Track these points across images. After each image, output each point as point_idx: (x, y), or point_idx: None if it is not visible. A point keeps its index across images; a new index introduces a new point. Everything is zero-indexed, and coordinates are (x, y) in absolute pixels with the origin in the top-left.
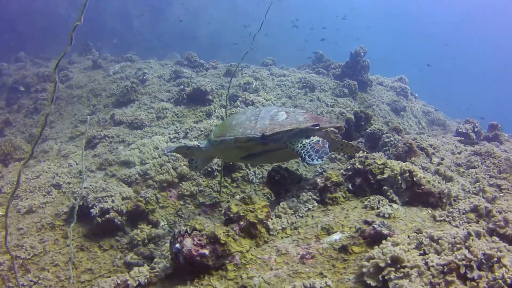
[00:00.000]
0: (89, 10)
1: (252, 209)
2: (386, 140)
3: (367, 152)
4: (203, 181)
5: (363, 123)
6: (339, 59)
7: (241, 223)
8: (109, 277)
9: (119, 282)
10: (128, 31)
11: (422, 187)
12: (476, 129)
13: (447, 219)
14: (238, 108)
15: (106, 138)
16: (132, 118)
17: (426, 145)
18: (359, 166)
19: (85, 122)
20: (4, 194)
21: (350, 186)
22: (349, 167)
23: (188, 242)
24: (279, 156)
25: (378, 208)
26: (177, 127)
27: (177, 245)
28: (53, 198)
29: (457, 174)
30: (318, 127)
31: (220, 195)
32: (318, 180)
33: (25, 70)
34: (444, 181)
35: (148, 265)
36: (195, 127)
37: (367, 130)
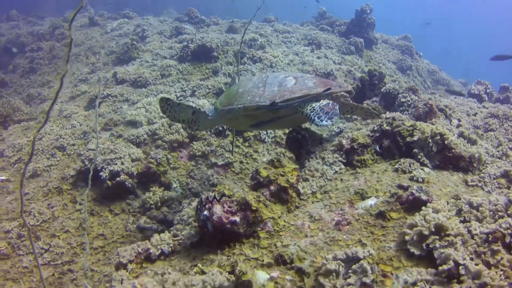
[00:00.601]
0: None
1: (282, 173)
2: (403, 100)
3: (378, 112)
4: (214, 140)
5: (376, 82)
6: (341, 16)
7: (272, 187)
8: (123, 242)
9: (140, 250)
10: None
11: (453, 150)
12: (488, 91)
13: (479, 185)
14: (246, 65)
15: (110, 97)
16: (135, 76)
17: (444, 106)
18: (387, 128)
19: (85, 81)
20: (6, 158)
21: (377, 148)
22: (375, 128)
23: (218, 209)
24: (289, 122)
25: (410, 172)
26: (183, 85)
27: (205, 212)
28: (57, 160)
29: (477, 136)
30: (329, 91)
31: (232, 155)
32: (344, 141)
33: (18, 29)
34: (468, 144)
35: (168, 231)
36: (202, 84)
37: (381, 89)
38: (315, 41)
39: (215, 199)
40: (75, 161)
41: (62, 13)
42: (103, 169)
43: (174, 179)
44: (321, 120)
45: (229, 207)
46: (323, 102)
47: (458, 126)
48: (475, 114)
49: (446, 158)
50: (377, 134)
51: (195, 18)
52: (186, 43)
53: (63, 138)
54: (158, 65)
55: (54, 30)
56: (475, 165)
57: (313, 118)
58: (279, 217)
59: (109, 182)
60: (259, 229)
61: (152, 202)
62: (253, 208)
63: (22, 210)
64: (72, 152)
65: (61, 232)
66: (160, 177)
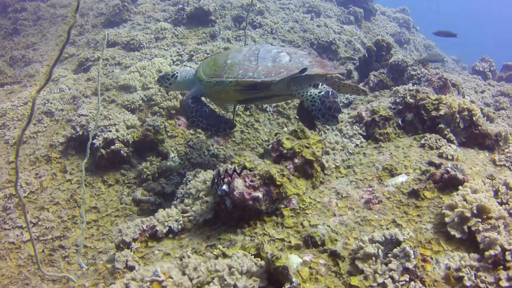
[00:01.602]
0: None
1: (307, 145)
2: (413, 73)
3: (364, 91)
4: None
5: (384, 53)
6: None
7: (296, 160)
8: (118, 216)
9: (144, 227)
10: None
11: (479, 127)
12: (492, 68)
13: (507, 164)
14: (247, 30)
15: (101, 60)
16: (127, 39)
17: (456, 81)
18: (411, 100)
19: (73, 43)
20: None
21: (400, 122)
22: (398, 100)
23: (239, 184)
24: (281, 98)
25: (438, 148)
26: (179, 49)
27: (224, 187)
28: (45, 127)
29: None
30: (327, 73)
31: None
32: (363, 113)
33: None
34: (488, 122)
35: (175, 206)
36: (200, 49)
37: (389, 61)
38: (315, 9)
39: (235, 173)
40: (64, 127)
41: None
42: (97, 137)
43: (172, 149)
44: (326, 120)
45: (251, 181)
46: (323, 90)
47: (472, 102)
48: (482, 92)
49: (472, 135)
50: (400, 107)
51: None
52: (181, 5)
53: (51, 103)
54: (151, 28)
55: None
56: (501, 143)
57: (316, 115)
58: (304, 193)
59: (103, 151)
60: (282, 206)
61: (149, 173)
62: (278, 183)
63: (17, 181)
64: (61, 118)
65: (51, 204)
66: (157, 146)
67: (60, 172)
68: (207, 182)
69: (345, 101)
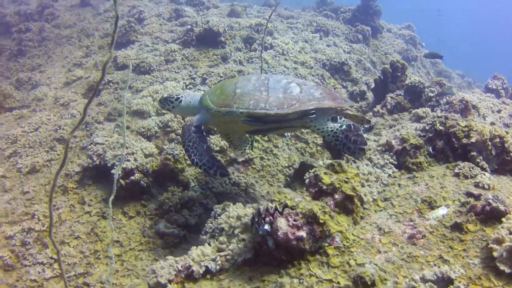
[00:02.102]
0: None
1: (346, 179)
2: (431, 94)
3: (369, 121)
4: (213, 143)
5: (399, 74)
6: (341, 2)
7: (336, 196)
8: (142, 250)
9: (179, 268)
10: None
11: (511, 154)
12: (504, 86)
13: None
14: (258, 52)
15: (111, 84)
16: (137, 61)
17: (475, 103)
18: (440, 128)
19: (80, 65)
20: (0, 150)
21: (430, 150)
22: (427, 127)
23: (282, 223)
24: (291, 129)
25: (472, 177)
26: (190, 71)
27: (266, 227)
28: (58, 154)
29: None
30: (338, 107)
31: (252, 151)
32: (393, 141)
33: (3, 8)
34: None
35: (208, 244)
36: (212, 72)
37: (405, 82)
38: (323, 28)
39: (276, 211)
40: (78, 155)
41: None
42: (115, 166)
43: (192, 178)
44: (353, 153)
45: (294, 220)
46: (344, 124)
47: (492, 124)
48: (499, 111)
49: (504, 162)
50: (430, 135)
51: (194, 0)
52: (189, 26)
53: (63, 129)
54: (160, 50)
55: (43, 9)
56: None
57: (342, 149)
58: (346, 230)
59: (122, 181)
60: (326, 244)
61: (171, 204)
62: (321, 221)
63: (51, 222)
64: (74, 145)
65: (71, 238)
66: (178, 175)
67: (78, 203)
68: (241, 218)
69: (365, 126)
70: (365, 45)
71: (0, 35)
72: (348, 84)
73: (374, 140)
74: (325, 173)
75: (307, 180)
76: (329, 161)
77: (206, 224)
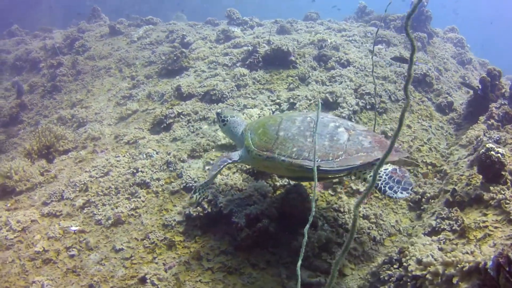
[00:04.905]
0: None
1: None
2: None
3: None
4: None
5: (497, 82)
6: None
7: None
8: None
9: None
10: None
11: None
12: None
13: None
14: (336, 70)
15: (182, 116)
16: (205, 89)
17: None
18: None
19: (130, 97)
20: (68, 200)
21: None
22: None
23: None
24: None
25: None
26: (269, 96)
27: None
28: (143, 201)
29: None
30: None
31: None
32: None
33: (25, 45)
34: None
35: None
36: (298, 95)
37: (502, 90)
38: (385, 38)
39: None
40: (172, 201)
41: (76, 23)
42: (234, 213)
43: (317, 215)
44: (395, 192)
45: None
46: (389, 167)
47: None
48: None
49: None
50: None
51: (237, 20)
52: (250, 47)
53: (142, 172)
54: (222, 74)
55: (73, 42)
56: None
57: (383, 188)
58: None
59: (247, 230)
60: None
61: (308, 249)
62: None
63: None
64: (160, 190)
65: None
66: (304, 213)
67: (194, 259)
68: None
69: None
70: (424, 52)
71: (27, 72)
72: (432, 96)
73: None
74: None
75: None
76: None
77: (379, 271)
